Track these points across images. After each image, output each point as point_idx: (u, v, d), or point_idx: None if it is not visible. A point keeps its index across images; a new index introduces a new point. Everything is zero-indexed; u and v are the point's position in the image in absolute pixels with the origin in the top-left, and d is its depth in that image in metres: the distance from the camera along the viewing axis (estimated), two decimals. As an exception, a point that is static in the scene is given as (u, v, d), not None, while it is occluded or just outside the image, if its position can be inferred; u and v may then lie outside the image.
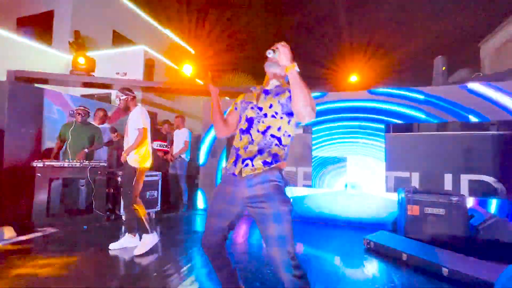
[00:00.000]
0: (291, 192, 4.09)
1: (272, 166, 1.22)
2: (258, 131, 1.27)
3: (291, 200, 1.23)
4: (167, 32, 11.64)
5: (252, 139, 1.26)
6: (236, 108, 1.47)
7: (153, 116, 5.86)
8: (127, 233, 2.70)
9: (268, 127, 1.26)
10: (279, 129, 1.27)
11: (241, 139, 1.30)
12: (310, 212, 3.89)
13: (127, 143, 2.64)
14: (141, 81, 5.23)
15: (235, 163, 1.27)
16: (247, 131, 1.29)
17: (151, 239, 2.58)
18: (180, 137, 4.65)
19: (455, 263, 2.16)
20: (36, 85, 4.44)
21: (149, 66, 5.19)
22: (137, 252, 2.48)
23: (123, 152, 2.61)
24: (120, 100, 2.68)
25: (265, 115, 1.28)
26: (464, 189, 3.61)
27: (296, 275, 1.11)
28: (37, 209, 3.24)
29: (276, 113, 1.28)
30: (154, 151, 4.14)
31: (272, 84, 1.40)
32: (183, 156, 4.54)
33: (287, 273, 1.11)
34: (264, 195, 1.19)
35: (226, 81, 11.49)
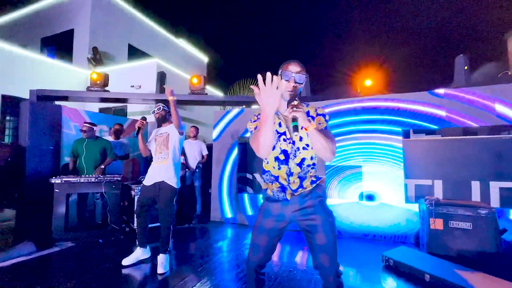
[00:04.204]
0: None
1: (318, 182, 1.39)
2: (295, 164, 1.35)
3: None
4: (180, 42, 11.92)
5: (291, 172, 1.35)
6: None
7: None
8: (139, 247, 2.72)
9: (303, 159, 1.35)
10: (311, 158, 1.38)
11: (279, 168, 1.37)
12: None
13: (164, 156, 2.60)
14: (153, 93, 5.34)
15: (283, 190, 1.37)
16: (285, 162, 1.36)
17: (167, 260, 2.59)
18: (194, 148, 4.70)
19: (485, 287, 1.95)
20: (56, 102, 4.66)
21: (161, 77, 5.28)
22: (160, 271, 2.47)
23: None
24: (157, 111, 2.71)
25: (299, 149, 1.35)
26: (495, 198, 3.31)
27: (340, 282, 1.31)
28: (55, 223, 3.35)
29: (307, 145, 1.35)
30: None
31: None
32: (200, 166, 4.61)
33: (335, 279, 1.28)
34: (313, 208, 1.33)
35: (238, 88, 11.52)
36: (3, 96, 5.56)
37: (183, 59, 11.23)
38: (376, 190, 3.60)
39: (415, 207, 3.33)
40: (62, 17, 8.17)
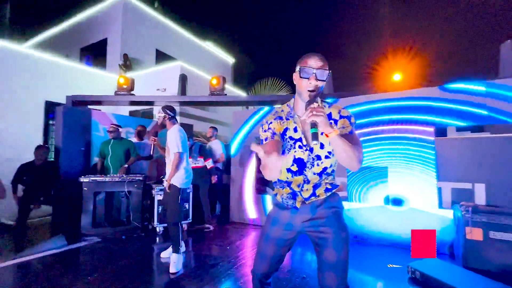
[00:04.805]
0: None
1: (333, 191, 1.22)
2: (314, 173, 1.20)
3: (348, 228, 1.21)
4: (207, 45, 12.20)
5: (308, 180, 1.20)
6: (274, 134, 1.22)
7: (189, 128, 6.10)
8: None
9: (325, 169, 1.20)
10: (331, 165, 1.22)
11: (292, 177, 1.22)
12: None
13: (169, 160, 2.76)
14: (175, 95, 5.50)
15: (294, 197, 1.23)
16: (299, 173, 1.20)
17: (179, 259, 2.62)
18: (214, 149, 4.73)
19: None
20: (89, 106, 5.01)
21: (183, 79, 5.42)
22: (172, 270, 2.51)
23: (165, 180, 2.75)
24: (158, 116, 2.81)
25: (318, 157, 1.18)
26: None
27: None
28: (84, 220, 3.58)
29: (330, 152, 1.18)
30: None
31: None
32: (219, 167, 4.62)
33: None
34: (325, 218, 1.18)
35: (260, 87, 11.48)
36: (47, 102, 6.13)
37: (207, 61, 11.48)
38: (404, 194, 3.29)
39: (451, 214, 2.98)
40: (97, 28, 8.83)
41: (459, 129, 3.61)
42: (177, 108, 6.87)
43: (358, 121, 3.61)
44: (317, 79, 1.09)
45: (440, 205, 3.15)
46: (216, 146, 4.75)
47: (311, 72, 1.09)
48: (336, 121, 1.18)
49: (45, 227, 4.09)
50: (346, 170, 3.69)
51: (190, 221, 4.08)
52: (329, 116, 1.18)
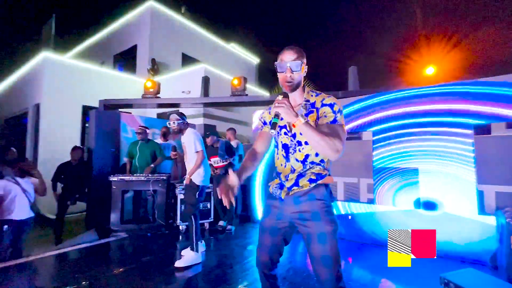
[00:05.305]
0: (352, 208, 3.60)
1: (318, 182, 1.21)
2: (296, 160, 1.24)
3: (337, 220, 1.21)
4: (232, 46, 12.39)
5: (293, 169, 1.25)
6: (264, 124, 1.42)
7: (212, 128, 6.21)
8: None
9: (307, 156, 1.23)
10: (317, 154, 1.23)
11: (284, 166, 1.29)
12: (374, 233, 3.32)
13: (188, 164, 2.90)
14: (198, 97, 5.62)
15: (281, 188, 1.28)
16: (286, 158, 1.28)
17: (195, 258, 2.66)
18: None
19: None
20: (120, 110, 5.32)
21: (206, 81, 5.54)
22: (178, 264, 2.57)
23: (186, 175, 2.88)
24: (174, 123, 2.86)
25: (299, 142, 1.23)
26: None
27: None
28: (113, 217, 3.79)
29: None
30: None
31: (297, 108, 1.28)
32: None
33: None
34: (310, 212, 1.19)
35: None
36: (84, 107, 6.64)
37: (231, 62, 11.64)
38: (438, 197, 3.01)
39: (493, 220, 2.67)
40: (128, 35, 9.38)
41: (495, 126, 3.20)
42: (201, 109, 7.05)
43: (383, 115, 3.39)
44: (292, 71, 1.17)
45: (481, 211, 2.83)
46: (235, 146, 4.77)
47: (285, 66, 1.17)
48: (318, 109, 1.21)
49: (80, 222, 4.42)
50: (371, 170, 3.48)
51: (211, 220, 4.14)
52: (312, 105, 1.23)
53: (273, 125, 1.09)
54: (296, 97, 1.27)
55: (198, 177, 2.84)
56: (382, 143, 3.44)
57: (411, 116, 3.23)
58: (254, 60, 14.02)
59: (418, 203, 3.09)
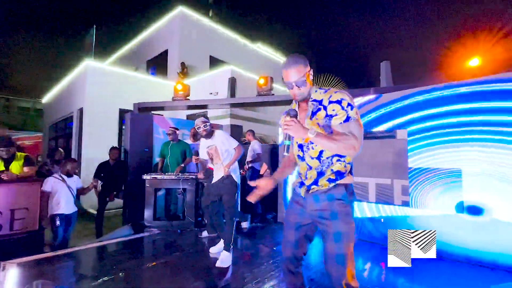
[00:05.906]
0: (385, 211, 3.42)
1: (338, 182, 1.24)
2: (311, 157, 1.28)
3: (354, 221, 1.23)
4: (258, 46, 12.45)
5: (310, 166, 1.29)
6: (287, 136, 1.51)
7: (239, 129, 6.29)
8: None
9: (321, 152, 1.26)
10: None
11: (301, 164, 1.34)
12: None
13: (218, 166, 2.89)
14: (225, 98, 5.72)
15: (301, 186, 1.33)
16: (301, 158, 1.33)
17: (230, 258, 2.69)
18: (254, 148, 4.83)
19: None
20: (152, 112, 5.61)
21: (232, 82, 5.63)
22: (221, 265, 2.59)
23: (224, 167, 2.81)
24: (205, 126, 2.91)
25: (311, 141, 1.25)
26: None
27: None
28: (147, 213, 4.00)
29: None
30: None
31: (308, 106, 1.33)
32: (255, 166, 4.67)
33: None
34: (329, 211, 1.22)
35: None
36: (120, 110, 7.11)
37: (258, 63, 11.68)
38: (485, 201, 2.73)
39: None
40: (160, 41, 9.87)
41: None
42: (227, 110, 7.17)
43: (422, 114, 3.15)
44: (298, 88, 1.24)
45: (538, 218, 2.51)
46: (255, 146, 4.84)
47: (290, 86, 1.25)
48: (325, 107, 1.22)
49: (118, 218, 4.73)
50: (407, 172, 3.26)
51: (237, 219, 4.18)
52: (320, 102, 1.24)
53: (287, 148, 1.20)
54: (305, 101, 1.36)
55: (236, 173, 2.87)
56: (419, 143, 3.20)
57: (455, 114, 2.96)
58: (281, 59, 13.94)
59: (461, 207, 2.83)
